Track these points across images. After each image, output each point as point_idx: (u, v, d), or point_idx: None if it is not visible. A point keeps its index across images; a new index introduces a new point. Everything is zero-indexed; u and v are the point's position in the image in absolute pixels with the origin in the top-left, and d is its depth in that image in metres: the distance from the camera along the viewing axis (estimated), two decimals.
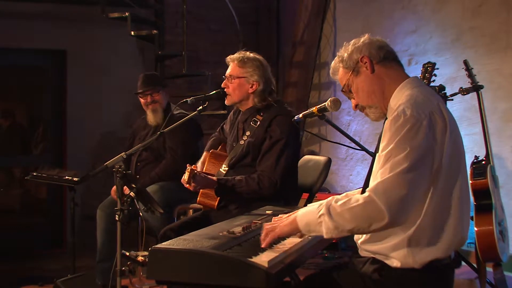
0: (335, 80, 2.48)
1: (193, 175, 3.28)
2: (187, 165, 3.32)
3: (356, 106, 2.42)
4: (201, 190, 3.57)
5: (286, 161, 3.49)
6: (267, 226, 2.33)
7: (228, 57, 3.70)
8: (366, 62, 2.33)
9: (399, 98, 2.27)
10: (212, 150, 3.85)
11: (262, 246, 2.27)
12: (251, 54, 3.67)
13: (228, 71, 3.66)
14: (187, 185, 3.31)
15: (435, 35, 5.60)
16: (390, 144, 2.13)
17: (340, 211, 2.11)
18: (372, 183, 2.21)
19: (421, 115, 2.14)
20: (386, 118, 2.33)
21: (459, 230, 2.22)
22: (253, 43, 7.37)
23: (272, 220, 2.43)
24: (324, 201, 2.19)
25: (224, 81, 3.66)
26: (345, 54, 2.38)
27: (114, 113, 6.78)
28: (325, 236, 2.17)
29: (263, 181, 3.44)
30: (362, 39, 2.39)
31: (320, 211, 2.16)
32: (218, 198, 3.56)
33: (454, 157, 2.20)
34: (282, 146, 3.49)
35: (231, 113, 3.90)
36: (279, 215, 2.45)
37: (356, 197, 2.12)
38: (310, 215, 2.20)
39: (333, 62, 2.45)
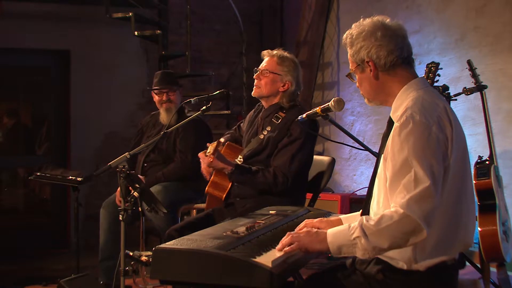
0: (345, 48, 2.43)
1: (218, 148, 3.27)
2: (208, 143, 3.32)
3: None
4: (211, 179, 3.57)
5: (301, 160, 3.51)
6: (293, 233, 2.26)
7: (265, 51, 3.72)
8: (371, 66, 2.29)
9: (403, 100, 2.25)
10: (228, 142, 3.85)
11: (285, 250, 2.20)
12: (289, 55, 3.70)
13: (263, 65, 3.67)
14: (211, 156, 3.28)
15: (439, 35, 5.60)
16: (402, 151, 2.11)
17: (375, 230, 2.09)
18: (381, 191, 2.21)
19: (429, 120, 2.12)
20: (391, 120, 2.31)
21: (465, 233, 2.21)
22: (256, 43, 7.39)
23: (298, 228, 2.40)
24: (354, 223, 2.16)
25: (257, 74, 3.67)
26: (356, 45, 2.31)
27: (118, 113, 6.80)
28: (360, 257, 2.16)
29: (278, 176, 3.45)
30: (377, 34, 2.28)
31: (353, 233, 2.13)
32: (227, 189, 3.56)
33: (460, 161, 2.19)
34: (300, 145, 3.50)
35: (251, 112, 3.91)
36: (303, 226, 2.44)
37: (389, 214, 2.08)
38: (342, 237, 2.15)
39: (345, 34, 2.36)
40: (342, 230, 2.18)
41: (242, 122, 4.01)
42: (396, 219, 2.06)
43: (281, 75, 3.62)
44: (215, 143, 3.25)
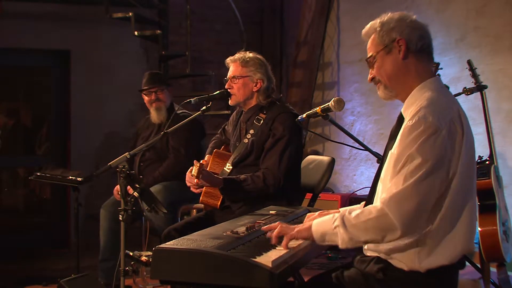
0: (363, 40, 2.41)
1: (201, 170, 3.25)
2: (194, 161, 3.32)
3: (372, 79, 2.37)
4: (204, 189, 3.58)
5: (289, 158, 3.50)
6: (282, 225, 2.33)
7: (228, 59, 3.72)
8: (401, 46, 2.27)
9: (417, 98, 2.25)
10: (215, 149, 3.86)
11: (273, 242, 2.29)
12: (251, 54, 3.70)
13: (230, 73, 3.68)
14: (196, 179, 3.25)
15: (439, 35, 5.60)
16: (407, 150, 2.12)
17: (354, 223, 2.14)
18: (384, 190, 2.21)
19: (441, 123, 2.11)
20: (401, 117, 2.31)
21: (468, 238, 2.20)
22: (257, 43, 7.39)
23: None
24: (338, 214, 2.21)
25: (228, 82, 3.67)
26: (386, 26, 2.31)
27: (118, 113, 6.80)
28: (340, 247, 2.20)
29: (268, 178, 3.44)
30: (409, 19, 2.30)
31: (334, 222, 2.18)
32: (221, 197, 3.56)
33: (468, 167, 2.19)
34: (285, 143, 3.50)
35: (234, 113, 3.91)
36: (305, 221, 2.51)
37: (369, 209, 2.13)
38: (325, 225, 2.22)
39: (371, 23, 2.37)
40: (326, 219, 2.25)
41: (226, 125, 4.01)
42: (374, 215, 2.11)
43: (250, 75, 3.63)
44: (198, 164, 3.22)
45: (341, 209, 2.63)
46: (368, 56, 2.36)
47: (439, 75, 4.20)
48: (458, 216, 2.18)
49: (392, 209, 2.07)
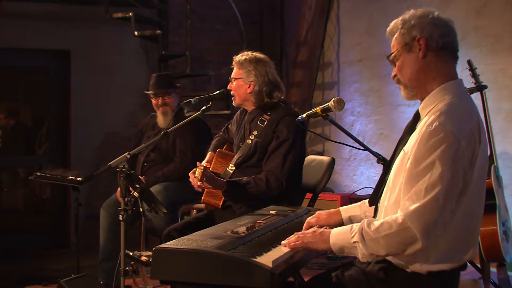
0: (387, 38, 2.37)
1: (205, 173, 3.25)
2: (198, 163, 3.30)
3: (394, 77, 2.34)
4: (206, 189, 3.58)
5: (292, 161, 3.49)
6: (299, 233, 2.31)
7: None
8: (421, 44, 2.23)
9: (436, 98, 2.21)
10: (219, 149, 3.84)
11: (289, 246, 2.27)
12: (252, 54, 3.68)
13: (232, 74, 3.68)
14: (199, 182, 3.23)
15: None
16: (426, 156, 2.08)
17: (374, 237, 2.12)
18: (394, 188, 2.20)
19: (461, 132, 2.08)
20: (418, 114, 2.29)
21: (472, 245, 2.20)
22: (257, 43, 7.39)
23: (304, 229, 2.48)
24: (356, 225, 2.18)
25: (229, 83, 3.68)
26: (408, 23, 2.27)
27: (118, 113, 6.80)
28: (360, 260, 2.19)
29: (270, 181, 3.44)
30: (430, 15, 2.25)
31: (353, 236, 2.16)
32: (222, 198, 3.56)
33: (480, 178, 2.17)
34: (289, 146, 3.49)
35: (237, 113, 3.91)
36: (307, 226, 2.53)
37: (390, 222, 2.10)
38: (344, 239, 2.19)
39: (394, 21, 2.34)
40: (344, 232, 2.21)
41: (230, 124, 4.00)
42: (395, 229, 2.08)
43: (243, 78, 3.62)
44: (202, 167, 3.20)
45: (344, 208, 2.65)
46: (390, 53, 2.32)
47: None
48: (465, 224, 2.16)
49: (415, 223, 2.05)
